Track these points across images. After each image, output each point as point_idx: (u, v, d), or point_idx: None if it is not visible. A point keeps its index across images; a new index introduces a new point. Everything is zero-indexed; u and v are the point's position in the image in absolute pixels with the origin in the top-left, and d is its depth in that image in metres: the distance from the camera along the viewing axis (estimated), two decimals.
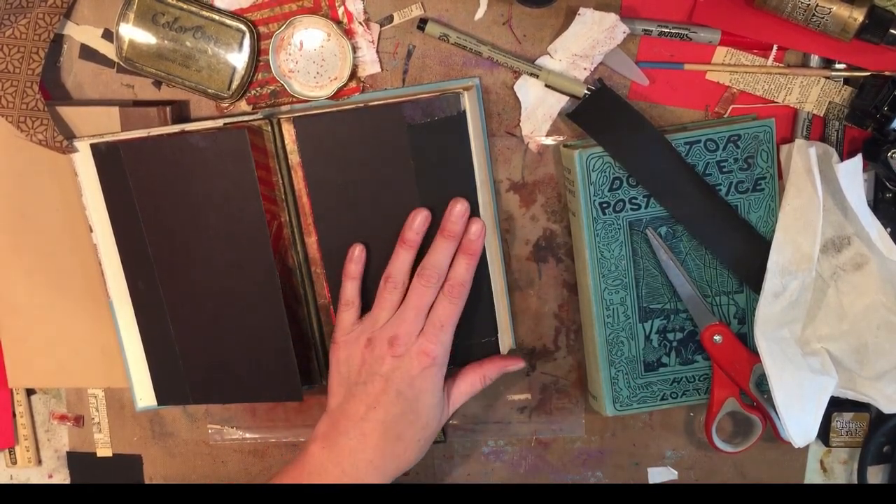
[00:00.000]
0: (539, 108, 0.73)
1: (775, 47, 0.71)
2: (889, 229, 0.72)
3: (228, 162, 0.71)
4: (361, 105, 0.72)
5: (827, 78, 0.71)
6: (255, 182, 0.71)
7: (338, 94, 0.73)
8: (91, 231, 0.75)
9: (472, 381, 0.74)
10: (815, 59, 0.72)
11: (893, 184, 0.73)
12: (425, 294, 0.71)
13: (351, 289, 0.73)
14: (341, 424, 0.71)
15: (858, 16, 0.67)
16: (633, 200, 0.72)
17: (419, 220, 0.72)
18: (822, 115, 0.72)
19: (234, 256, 0.73)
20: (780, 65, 0.72)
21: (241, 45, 0.71)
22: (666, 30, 0.71)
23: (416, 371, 0.70)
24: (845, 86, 0.72)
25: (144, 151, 0.72)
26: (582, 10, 0.70)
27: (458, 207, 0.72)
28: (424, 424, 0.71)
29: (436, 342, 0.70)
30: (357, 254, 0.73)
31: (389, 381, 0.70)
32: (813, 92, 0.72)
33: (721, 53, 0.71)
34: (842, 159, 0.71)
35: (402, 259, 0.72)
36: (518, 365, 0.76)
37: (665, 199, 0.71)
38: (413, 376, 0.70)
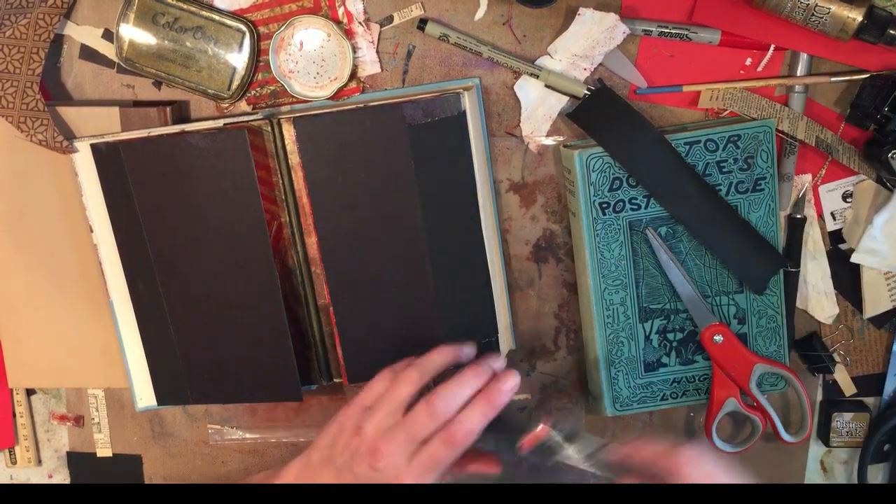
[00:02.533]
0: (539, 109, 0.73)
1: (772, 47, 0.71)
2: None
3: (228, 162, 0.71)
4: (361, 105, 0.72)
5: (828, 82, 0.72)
6: (254, 182, 0.71)
7: (338, 95, 0.73)
8: (91, 231, 0.75)
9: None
10: (801, 67, 0.72)
11: (894, 184, 0.73)
12: (425, 426, 0.65)
13: (407, 391, 0.67)
14: (309, 481, 0.68)
15: (857, 16, 0.67)
16: (633, 200, 0.72)
17: (445, 357, 0.69)
18: (812, 143, 0.72)
19: (234, 256, 0.73)
20: (778, 77, 0.72)
21: (241, 45, 0.72)
22: (666, 30, 0.71)
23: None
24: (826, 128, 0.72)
25: (145, 151, 0.72)
26: (582, 11, 0.70)
27: (510, 381, 0.67)
28: None
29: (417, 481, 0.64)
30: (439, 362, 0.69)
31: (359, 482, 0.65)
32: (800, 126, 0.72)
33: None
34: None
35: (437, 361, 0.68)
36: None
37: (665, 199, 0.71)
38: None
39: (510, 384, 0.66)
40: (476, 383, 0.66)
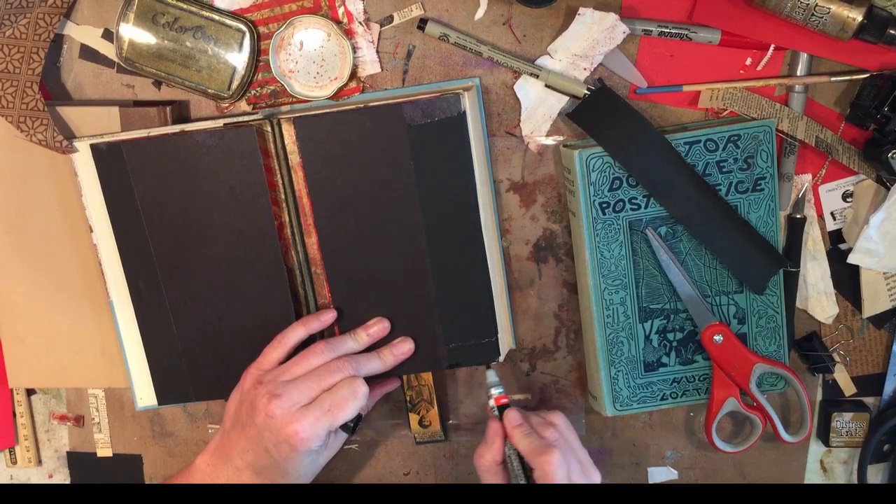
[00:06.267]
0: (539, 108, 0.73)
1: (772, 47, 0.71)
2: None
3: (236, 159, 0.71)
4: (361, 105, 0.72)
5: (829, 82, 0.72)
6: (262, 179, 0.71)
7: (338, 95, 0.73)
8: (91, 231, 0.75)
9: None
10: (801, 67, 0.72)
11: (894, 184, 0.73)
12: (331, 375, 0.69)
13: (295, 336, 0.72)
14: (225, 450, 0.71)
15: (857, 15, 0.67)
16: (633, 200, 0.72)
17: (379, 328, 0.74)
18: (812, 143, 0.72)
19: (239, 253, 0.73)
20: (778, 76, 0.72)
21: (241, 45, 0.72)
22: (666, 30, 0.71)
23: (282, 439, 0.67)
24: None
25: (148, 150, 0.72)
26: (582, 10, 0.70)
27: (403, 346, 0.74)
28: (296, 477, 0.70)
29: (312, 428, 0.67)
30: (325, 318, 0.73)
31: (261, 435, 0.68)
32: (800, 126, 0.72)
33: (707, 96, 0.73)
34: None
35: (348, 345, 0.72)
36: (393, 385, 0.77)
37: (665, 199, 0.71)
38: (279, 442, 0.68)
39: (403, 348, 0.73)
40: (368, 341, 0.73)
